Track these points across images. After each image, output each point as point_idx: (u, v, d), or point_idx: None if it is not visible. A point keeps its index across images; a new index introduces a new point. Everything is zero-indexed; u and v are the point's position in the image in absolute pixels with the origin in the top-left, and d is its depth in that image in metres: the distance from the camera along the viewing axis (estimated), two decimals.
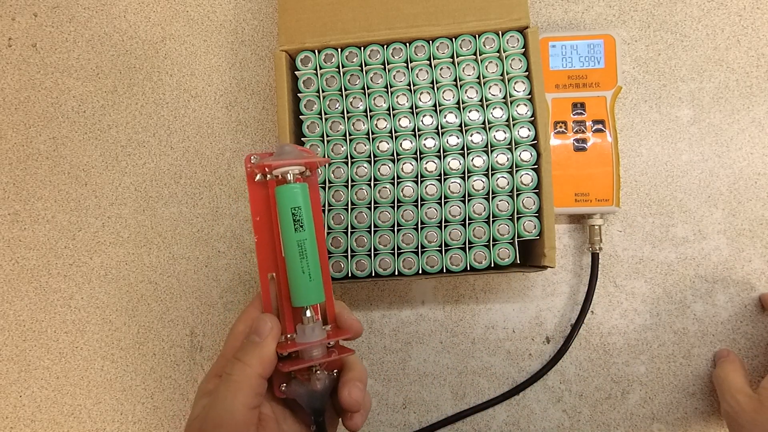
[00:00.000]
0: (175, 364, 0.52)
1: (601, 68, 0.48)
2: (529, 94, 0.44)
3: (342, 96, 0.45)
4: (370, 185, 0.45)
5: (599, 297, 0.50)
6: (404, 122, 0.45)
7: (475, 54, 0.45)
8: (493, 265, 0.44)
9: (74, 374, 0.53)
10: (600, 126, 0.48)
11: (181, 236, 0.53)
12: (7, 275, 0.54)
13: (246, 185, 0.52)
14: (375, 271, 0.44)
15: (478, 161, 0.44)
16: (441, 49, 0.45)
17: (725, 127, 0.51)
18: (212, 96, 0.55)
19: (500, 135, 0.44)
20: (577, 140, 0.48)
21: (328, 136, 0.45)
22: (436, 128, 0.45)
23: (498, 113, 0.44)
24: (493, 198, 0.44)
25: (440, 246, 0.44)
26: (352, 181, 0.45)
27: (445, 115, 0.44)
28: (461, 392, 0.50)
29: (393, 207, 0.44)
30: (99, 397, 0.52)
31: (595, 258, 0.48)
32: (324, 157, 0.45)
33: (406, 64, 0.45)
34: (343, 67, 0.45)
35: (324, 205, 0.44)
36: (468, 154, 0.44)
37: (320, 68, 0.45)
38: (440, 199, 0.44)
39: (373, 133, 0.45)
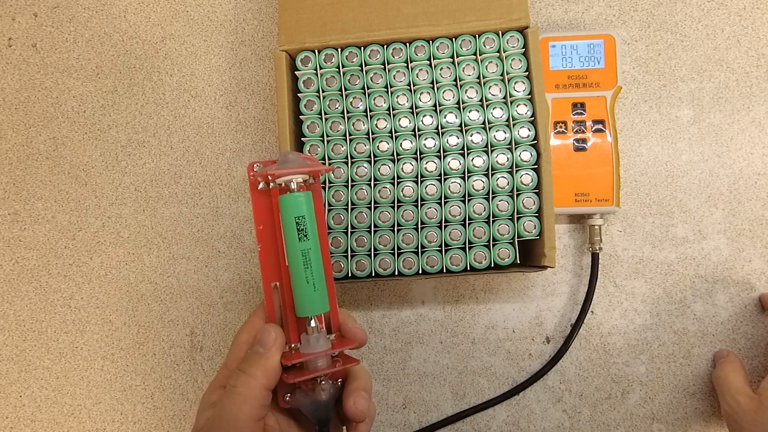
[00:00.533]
0: (175, 364, 0.52)
1: (601, 68, 0.48)
2: (529, 94, 0.44)
3: (342, 96, 0.45)
4: (370, 185, 0.45)
5: (599, 297, 0.50)
6: (404, 122, 0.45)
7: (475, 54, 0.45)
8: (493, 265, 0.44)
9: (74, 374, 0.53)
10: (600, 126, 0.48)
11: (181, 236, 0.53)
12: (7, 275, 0.54)
13: (248, 190, 0.52)
14: (375, 271, 0.44)
15: (478, 161, 0.44)
16: (441, 49, 0.45)
17: (725, 127, 0.51)
18: (212, 96, 0.55)
19: (500, 135, 0.44)
20: (577, 140, 0.48)
21: (328, 136, 0.45)
22: (436, 128, 0.45)
23: (498, 113, 0.44)
24: (493, 198, 0.44)
25: (440, 246, 0.44)
26: (352, 181, 0.45)
27: (445, 115, 0.44)
28: (461, 392, 0.50)
29: (393, 207, 0.44)
30: (99, 397, 0.52)
31: (595, 258, 0.48)
32: (325, 161, 0.45)
33: (406, 64, 0.45)
34: (343, 67, 0.45)
35: (324, 206, 0.44)
36: (468, 154, 0.44)
37: (320, 68, 0.45)
38: (440, 199, 0.44)
39: (373, 133, 0.45)
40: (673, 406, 0.49)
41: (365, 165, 0.45)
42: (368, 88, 0.45)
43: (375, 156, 0.45)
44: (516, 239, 0.43)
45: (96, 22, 0.56)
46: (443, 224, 0.44)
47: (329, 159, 0.45)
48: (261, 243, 0.34)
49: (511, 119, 0.44)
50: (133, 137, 0.55)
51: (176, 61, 0.55)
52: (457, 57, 0.45)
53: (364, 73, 0.45)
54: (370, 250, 0.44)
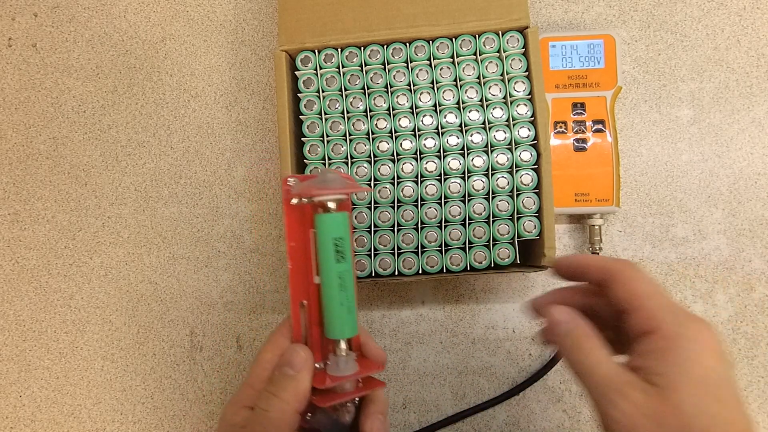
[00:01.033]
0: (175, 364, 0.52)
1: (601, 68, 0.48)
2: (529, 94, 0.44)
3: (342, 96, 0.45)
4: (370, 185, 0.45)
5: None
6: (404, 122, 0.45)
7: (475, 54, 0.45)
8: (493, 265, 0.44)
9: (74, 374, 0.53)
10: (600, 126, 0.48)
11: (181, 236, 0.53)
12: (7, 275, 0.54)
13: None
14: (375, 271, 0.44)
15: (478, 161, 0.44)
16: (441, 49, 0.45)
17: (725, 127, 0.51)
18: (212, 96, 0.55)
19: (500, 135, 0.44)
20: (577, 140, 0.48)
21: (328, 136, 0.45)
22: (436, 128, 0.45)
23: (498, 113, 0.44)
24: (493, 198, 0.44)
25: (440, 246, 0.44)
26: None
27: (445, 115, 0.44)
28: (461, 392, 0.50)
29: (393, 207, 0.44)
30: (99, 397, 0.52)
31: None
32: (325, 161, 0.45)
33: (406, 64, 0.45)
34: (343, 67, 0.45)
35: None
36: (468, 154, 0.44)
37: (320, 68, 0.45)
38: (440, 199, 0.44)
39: (373, 133, 0.45)
40: None
41: (365, 165, 0.45)
42: (368, 88, 0.45)
43: (375, 156, 0.45)
44: (516, 239, 0.43)
45: (96, 22, 0.56)
46: (443, 224, 0.44)
47: (329, 159, 0.45)
48: (292, 261, 0.32)
49: (511, 119, 0.44)
50: (133, 137, 0.55)
51: (176, 61, 0.55)
52: (457, 57, 0.45)
53: (364, 73, 0.45)
54: (370, 250, 0.44)
